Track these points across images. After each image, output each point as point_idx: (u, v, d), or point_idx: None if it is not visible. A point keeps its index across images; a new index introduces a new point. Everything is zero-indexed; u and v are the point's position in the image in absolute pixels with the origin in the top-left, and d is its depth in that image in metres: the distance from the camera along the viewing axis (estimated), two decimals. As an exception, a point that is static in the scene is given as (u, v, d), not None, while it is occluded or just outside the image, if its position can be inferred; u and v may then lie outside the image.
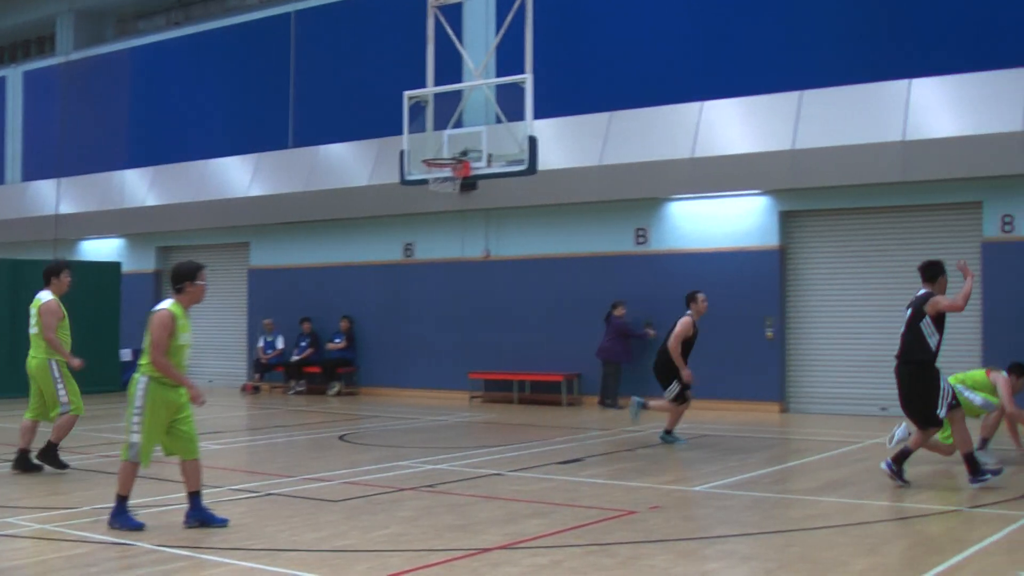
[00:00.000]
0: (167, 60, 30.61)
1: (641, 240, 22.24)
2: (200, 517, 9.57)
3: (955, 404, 11.92)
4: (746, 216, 21.23)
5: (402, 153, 18.28)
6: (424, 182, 18.09)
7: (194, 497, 9.64)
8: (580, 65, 23.16)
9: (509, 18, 17.74)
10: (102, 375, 23.52)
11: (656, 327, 21.54)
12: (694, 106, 21.38)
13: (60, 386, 12.84)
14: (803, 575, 7.97)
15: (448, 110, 18.22)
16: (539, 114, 17.39)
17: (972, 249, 19.14)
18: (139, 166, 30.33)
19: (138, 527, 9.34)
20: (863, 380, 20.25)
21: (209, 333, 28.91)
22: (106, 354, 24.70)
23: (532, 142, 16.63)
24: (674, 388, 15.91)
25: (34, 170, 33.50)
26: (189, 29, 30.50)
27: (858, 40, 20.43)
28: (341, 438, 16.92)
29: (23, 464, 12.84)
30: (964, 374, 13.91)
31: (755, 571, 8.12)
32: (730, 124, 21.07)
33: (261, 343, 26.89)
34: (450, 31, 18.33)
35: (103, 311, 24.98)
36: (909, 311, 12.02)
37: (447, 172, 17.50)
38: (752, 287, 20.57)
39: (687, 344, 16.01)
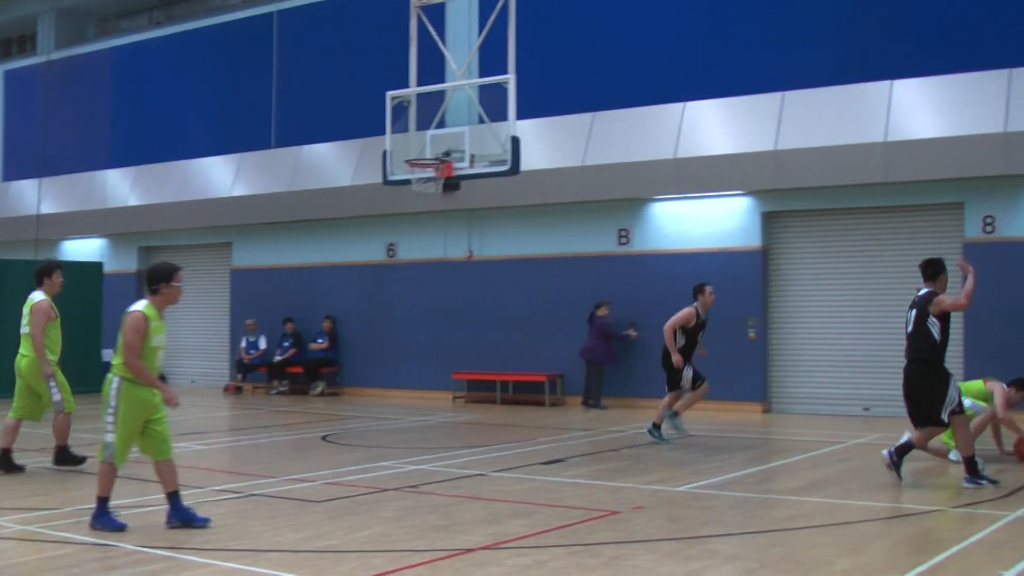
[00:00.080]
0: (149, 60, 30.52)
1: (624, 240, 22.26)
2: (181, 517, 9.54)
3: (960, 410, 11.94)
4: (728, 217, 21.27)
5: (385, 153, 18.26)
6: (407, 182, 18.07)
7: (173, 497, 9.61)
8: (563, 66, 23.16)
9: (492, 18, 17.74)
10: (84, 375, 23.38)
11: (639, 327, 21.59)
12: (677, 107, 21.41)
13: (53, 384, 12.88)
14: (786, 575, 7.98)
15: (431, 110, 18.21)
16: (522, 114, 17.39)
17: (954, 250, 19.19)
18: (121, 166, 30.23)
19: (120, 528, 9.31)
20: (845, 380, 20.32)
21: (191, 333, 28.88)
22: (88, 354, 24.60)
23: (515, 142, 16.63)
24: (687, 375, 15.84)
25: (15, 170, 33.38)
26: (171, 29, 30.41)
27: (840, 41, 20.49)
28: (324, 438, 16.89)
29: (5, 465, 12.80)
30: (962, 384, 13.93)
31: (738, 571, 8.13)
32: (713, 125, 21.11)
33: (244, 343, 26.84)
34: (433, 31, 18.32)
35: (85, 311, 24.86)
36: (913, 311, 12.06)
37: (430, 172, 17.48)
38: (734, 288, 20.60)
39: (691, 335, 15.90)
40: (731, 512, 10.83)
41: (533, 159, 20.92)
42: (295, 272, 26.85)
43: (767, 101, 20.52)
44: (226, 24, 28.92)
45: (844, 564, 8.23)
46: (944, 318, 11.91)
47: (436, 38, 18.45)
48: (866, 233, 20.36)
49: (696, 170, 20.85)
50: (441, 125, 18.62)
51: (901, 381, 12.31)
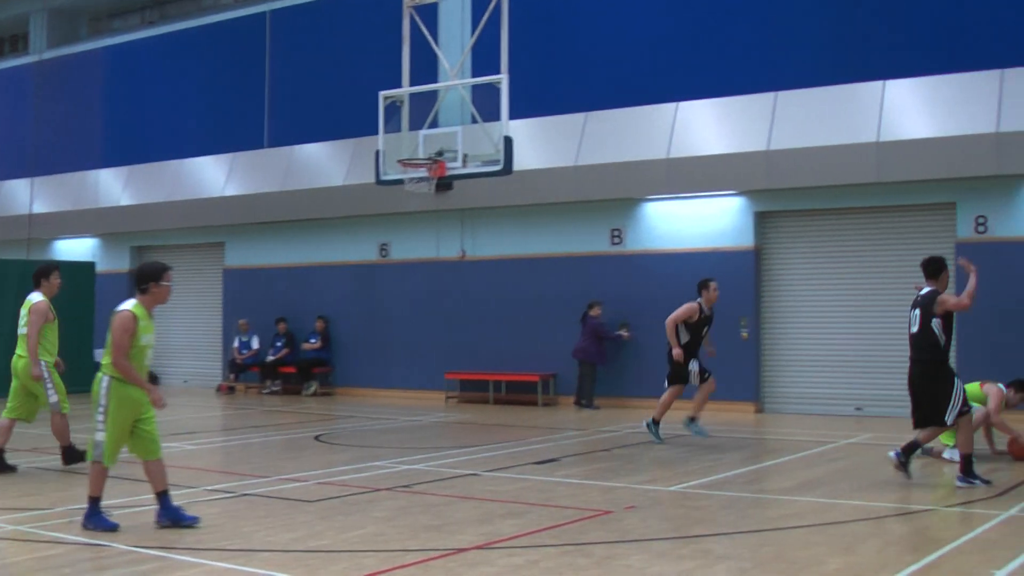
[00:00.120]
0: (141, 59, 30.47)
1: (617, 240, 22.27)
2: (171, 516, 9.53)
3: (966, 411, 11.95)
4: (721, 216, 21.28)
5: (377, 153, 18.25)
6: (399, 182, 18.06)
7: (163, 497, 9.60)
8: (555, 66, 23.17)
9: (485, 18, 17.74)
10: (75, 375, 23.29)
11: (632, 327, 21.61)
12: (669, 107, 21.42)
13: (49, 387, 12.88)
14: (778, 574, 7.98)
15: (424, 110, 18.21)
16: (514, 114, 17.39)
17: (946, 250, 19.19)
18: (113, 166, 30.19)
19: (112, 528, 9.30)
20: (838, 380, 20.34)
21: (184, 333, 28.86)
22: (80, 354, 24.51)
23: (507, 142, 16.64)
24: (693, 370, 15.79)
25: (7, 169, 33.26)
26: (164, 28, 30.37)
27: (833, 42, 20.51)
28: (316, 438, 16.88)
29: (-2, 464, 12.80)
30: None
31: (731, 570, 8.13)
32: (705, 125, 21.12)
33: (236, 343, 26.81)
34: (426, 31, 18.31)
35: (77, 311, 24.77)
36: (917, 311, 12.07)
37: (422, 172, 17.48)
38: (727, 287, 20.46)
39: (695, 330, 15.86)
40: (723, 512, 10.83)
41: (526, 159, 20.91)
42: (288, 272, 26.83)
43: (760, 101, 20.53)
44: (219, 24, 28.90)
45: (836, 563, 8.23)
46: (947, 317, 11.94)
47: (429, 38, 18.44)
48: (859, 233, 20.38)
49: (689, 170, 20.87)
50: (434, 125, 18.63)
51: (906, 380, 12.34)
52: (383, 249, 25.34)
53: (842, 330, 20.39)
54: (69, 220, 30.48)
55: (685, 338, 15.81)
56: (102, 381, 9.46)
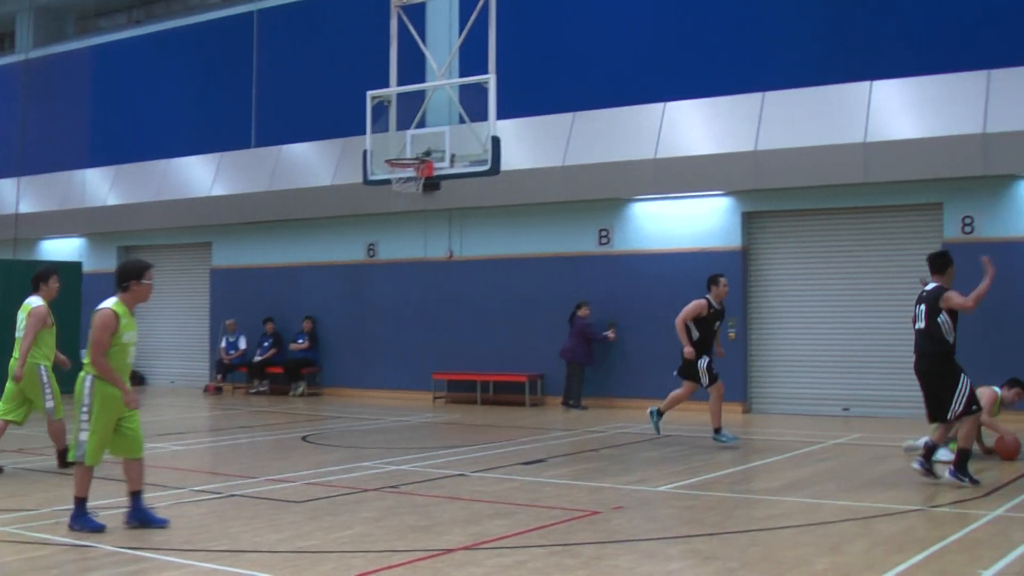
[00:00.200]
0: (128, 59, 30.41)
1: (604, 240, 22.28)
2: (140, 517, 9.50)
3: (975, 410, 11.96)
4: (709, 217, 21.30)
5: (365, 153, 18.22)
6: (387, 182, 18.03)
7: (136, 497, 9.57)
8: (543, 66, 23.16)
9: (472, 18, 17.71)
10: (62, 376, 23.29)
11: (619, 327, 21.62)
12: (657, 107, 21.43)
13: (47, 392, 12.85)
14: (766, 574, 7.99)
15: (411, 110, 18.18)
16: (502, 114, 17.37)
17: (933, 250, 19.20)
18: (100, 165, 30.11)
19: (99, 529, 9.27)
20: (825, 380, 20.37)
21: (171, 334, 28.79)
22: (67, 354, 24.41)
23: (495, 142, 16.61)
24: (702, 366, 15.65)
25: (-7, 169, 33.23)
26: (151, 28, 30.31)
27: (820, 42, 20.54)
28: (304, 439, 16.86)
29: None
30: None
31: (718, 571, 8.13)
32: (693, 125, 21.14)
33: (223, 343, 26.76)
34: (413, 31, 18.29)
35: (63, 311, 24.60)
36: (923, 306, 12.10)
37: (410, 172, 17.44)
38: (715, 287, 20.62)
39: (707, 326, 15.73)
40: (711, 512, 10.83)
41: (513, 159, 20.92)
42: (275, 272, 26.79)
43: (747, 101, 20.56)
44: (206, 23, 28.85)
45: (824, 563, 8.24)
46: (953, 313, 11.97)
47: (416, 38, 18.42)
48: (846, 233, 20.42)
49: (676, 170, 20.88)
50: (421, 125, 18.60)
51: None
52: (371, 249, 25.31)
53: (830, 330, 20.43)
54: (56, 220, 30.40)
55: (696, 335, 15.65)
56: (85, 380, 9.43)
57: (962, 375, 11.98)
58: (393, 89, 18.11)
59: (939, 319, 11.95)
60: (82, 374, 9.49)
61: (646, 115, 21.49)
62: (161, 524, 9.49)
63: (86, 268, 27.27)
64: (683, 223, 21.50)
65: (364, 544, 8.92)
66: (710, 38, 21.61)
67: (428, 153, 17.37)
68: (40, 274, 13.26)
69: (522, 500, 11.14)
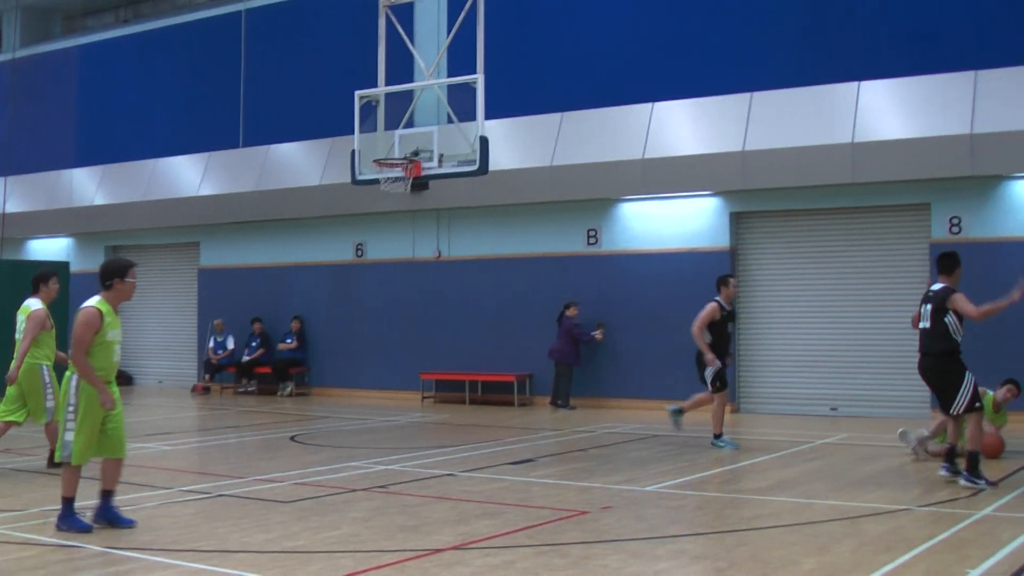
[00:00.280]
0: (116, 58, 30.34)
1: (592, 241, 22.29)
2: (108, 516, 9.49)
3: (977, 407, 11.99)
4: (697, 217, 21.33)
5: (353, 153, 18.20)
6: (375, 182, 18.01)
7: (107, 496, 9.56)
8: (532, 66, 23.17)
9: (461, 18, 17.69)
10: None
11: (608, 327, 21.63)
12: (645, 107, 21.44)
13: (49, 392, 12.82)
14: (753, 574, 8.00)
15: (399, 110, 18.15)
16: (490, 114, 17.35)
17: (920, 251, 19.34)
18: (88, 165, 30.03)
19: (86, 529, 9.25)
20: (813, 380, 20.40)
21: (159, 333, 28.75)
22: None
23: (483, 142, 16.60)
24: (709, 374, 15.57)
25: (-20, 169, 33.13)
26: (138, 27, 30.24)
27: (808, 43, 20.57)
28: (292, 439, 16.84)
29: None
30: None
31: (706, 570, 8.14)
32: (681, 125, 21.15)
33: (211, 343, 26.73)
34: (401, 31, 18.27)
35: (51, 311, 24.65)
36: (929, 306, 12.13)
37: (398, 172, 17.42)
38: (703, 288, 20.45)
39: (719, 329, 15.64)
40: (699, 512, 10.85)
41: (502, 159, 20.92)
42: (263, 272, 26.76)
43: (735, 102, 20.57)
44: (194, 23, 28.79)
45: (811, 563, 8.25)
46: (958, 315, 12.02)
47: (405, 38, 18.40)
48: (834, 233, 20.45)
49: (664, 170, 20.89)
50: (410, 125, 18.57)
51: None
52: (359, 249, 25.30)
53: (818, 330, 20.46)
54: (43, 219, 30.32)
55: (708, 339, 15.53)
56: (71, 380, 9.42)
57: (967, 373, 12.03)
58: (381, 89, 18.09)
59: (946, 319, 11.99)
60: (68, 373, 9.48)
61: (634, 115, 21.51)
62: (128, 524, 9.47)
63: (73, 268, 27.03)
64: (671, 223, 21.51)
65: (352, 544, 8.92)
66: (698, 38, 21.63)
67: (416, 153, 17.35)
68: (40, 276, 13.26)
69: (510, 500, 11.14)
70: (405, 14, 19.78)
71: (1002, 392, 14.33)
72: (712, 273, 20.49)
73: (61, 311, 24.79)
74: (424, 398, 23.72)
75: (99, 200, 29.14)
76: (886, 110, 19.37)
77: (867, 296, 19.95)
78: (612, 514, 10.36)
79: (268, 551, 8.64)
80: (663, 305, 21.23)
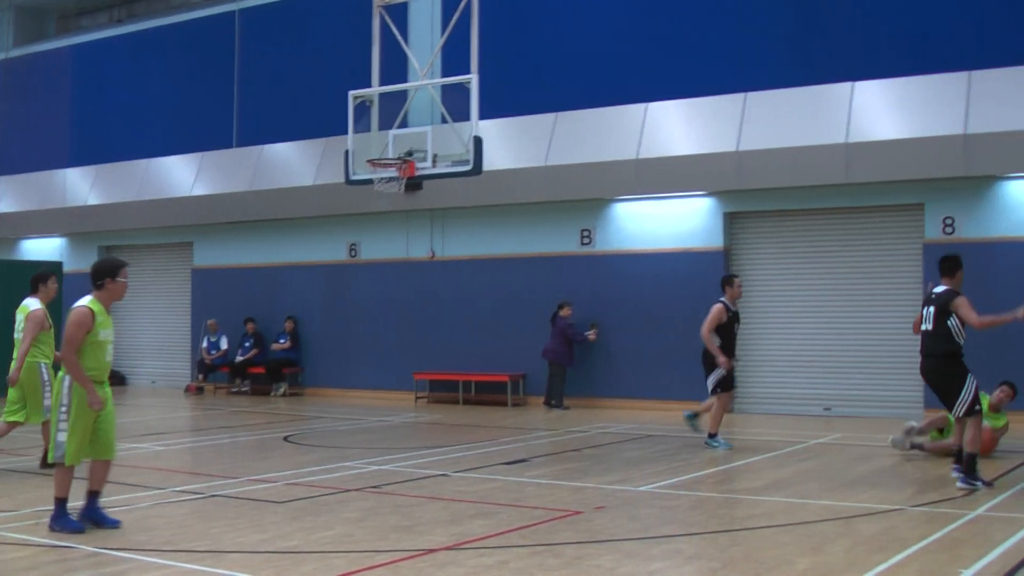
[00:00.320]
0: (110, 58, 30.30)
1: (586, 241, 22.29)
2: (93, 517, 9.48)
3: (978, 409, 11.99)
4: (691, 217, 21.32)
5: (347, 153, 18.19)
6: (369, 182, 18.00)
7: (93, 497, 9.56)
8: (526, 66, 23.16)
9: (455, 18, 17.69)
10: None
11: (601, 327, 21.63)
12: (639, 107, 21.44)
13: (47, 391, 12.79)
14: (747, 574, 8.00)
15: (393, 110, 18.15)
16: (484, 115, 17.35)
17: (914, 251, 19.36)
18: (81, 165, 29.98)
19: (79, 529, 9.24)
20: (807, 380, 20.41)
21: (152, 334, 28.71)
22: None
23: (477, 142, 16.60)
24: (712, 379, 15.51)
25: (-27, 168, 33.08)
26: (132, 27, 30.19)
27: (802, 43, 20.58)
28: (286, 439, 16.83)
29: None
30: None
31: (700, 570, 8.15)
32: (675, 125, 21.15)
33: (205, 343, 26.70)
34: (395, 31, 18.25)
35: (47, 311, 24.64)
36: (931, 308, 12.12)
37: (392, 172, 17.41)
38: (697, 288, 20.59)
39: (727, 330, 15.55)
40: (693, 512, 10.85)
41: (496, 159, 20.92)
42: (257, 272, 26.73)
43: (729, 102, 20.57)
44: (187, 22, 28.76)
45: (805, 563, 8.26)
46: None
47: (399, 38, 18.38)
48: (827, 234, 20.47)
49: (658, 171, 20.89)
50: (403, 125, 18.55)
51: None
52: (352, 249, 25.28)
53: (811, 330, 20.47)
54: (36, 219, 30.27)
55: (717, 341, 15.42)
56: (64, 380, 9.41)
57: (969, 376, 12.02)
58: (375, 89, 18.08)
59: (949, 322, 11.99)
60: (61, 374, 9.47)
61: (628, 115, 21.50)
62: (113, 525, 9.47)
63: (67, 268, 27.14)
64: (665, 223, 21.51)
65: (346, 544, 8.91)
66: (692, 38, 21.63)
67: (410, 153, 17.34)
68: (39, 276, 13.24)
69: (504, 500, 11.14)
70: (399, 14, 19.77)
71: (996, 394, 14.35)
72: (706, 273, 20.60)
73: (55, 311, 24.85)
74: (418, 398, 23.71)
75: (92, 200, 29.10)
76: (880, 110, 19.38)
77: (861, 296, 19.97)
78: (606, 514, 10.36)
79: (262, 551, 8.63)
80: (657, 305, 21.24)
